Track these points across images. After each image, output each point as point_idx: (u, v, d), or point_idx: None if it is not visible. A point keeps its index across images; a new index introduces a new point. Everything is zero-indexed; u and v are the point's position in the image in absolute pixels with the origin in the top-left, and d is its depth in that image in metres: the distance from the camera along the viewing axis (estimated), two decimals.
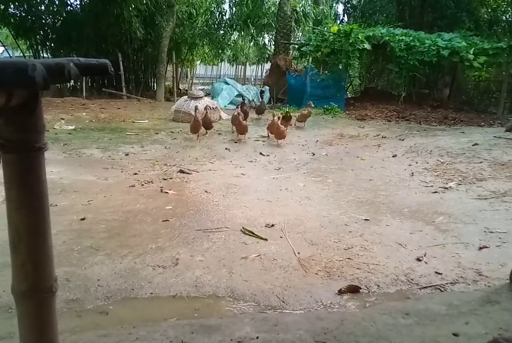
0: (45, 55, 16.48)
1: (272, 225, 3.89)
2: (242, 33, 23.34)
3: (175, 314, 2.35)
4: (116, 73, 14.80)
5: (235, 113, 8.88)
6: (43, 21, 16.04)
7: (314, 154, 7.53)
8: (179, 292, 2.63)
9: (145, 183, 5.33)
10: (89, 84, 16.29)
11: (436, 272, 2.95)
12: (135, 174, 5.79)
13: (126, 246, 3.30)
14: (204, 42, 21.49)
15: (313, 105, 10.75)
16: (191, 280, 2.79)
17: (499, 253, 3.21)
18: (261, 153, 7.56)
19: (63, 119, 9.53)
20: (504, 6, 16.30)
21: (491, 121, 11.61)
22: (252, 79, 31.65)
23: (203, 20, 19.95)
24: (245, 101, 11.70)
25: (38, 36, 16.11)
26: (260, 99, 16.52)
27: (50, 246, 1.23)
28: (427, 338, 1.81)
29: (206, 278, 2.81)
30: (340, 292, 2.67)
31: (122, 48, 16.10)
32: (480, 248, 3.37)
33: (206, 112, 9.01)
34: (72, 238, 3.41)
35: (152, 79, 18.64)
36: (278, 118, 8.37)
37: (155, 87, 17.45)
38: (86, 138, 7.97)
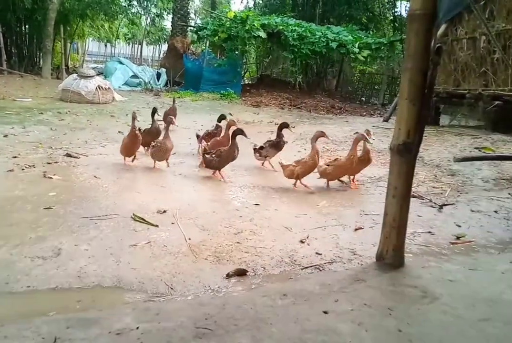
0: None
1: (164, 211, 3.85)
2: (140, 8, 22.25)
3: (54, 308, 2.23)
4: None
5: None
6: None
7: None
8: (60, 284, 2.50)
9: (26, 167, 4.93)
10: None
11: (316, 253, 3.15)
12: (15, 157, 5.33)
13: (1, 237, 3.04)
14: (97, 13, 19.85)
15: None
16: (74, 270, 2.66)
17: (372, 234, 3.49)
18: None
19: None
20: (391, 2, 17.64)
21: (371, 112, 12.65)
22: (149, 60, 30.57)
23: None
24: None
25: None
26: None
27: None
28: (301, 317, 1.95)
29: (91, 268, 2.71)
30: (228, 276, 2.74)
31: (4, 18, 14.48)
32: (356, 230, 3.68)
33: (154, 122, 6.07)
34: None
35: (38, 54, 17.07)
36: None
37: (41, 63, 16.05)
38: None
